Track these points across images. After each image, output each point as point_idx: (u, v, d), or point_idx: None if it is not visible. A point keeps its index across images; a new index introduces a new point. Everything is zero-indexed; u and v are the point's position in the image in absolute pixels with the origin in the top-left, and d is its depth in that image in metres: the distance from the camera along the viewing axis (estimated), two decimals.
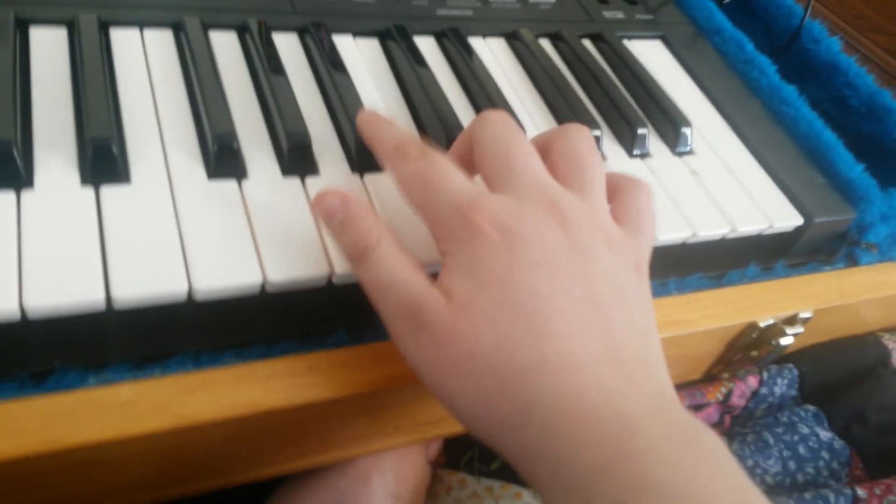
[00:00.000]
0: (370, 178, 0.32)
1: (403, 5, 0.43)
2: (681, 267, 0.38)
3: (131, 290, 0.25)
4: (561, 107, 0.40)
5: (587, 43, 0.47)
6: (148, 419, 0.25)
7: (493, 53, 0.44)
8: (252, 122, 0.33)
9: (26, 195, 0.26)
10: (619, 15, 0.50)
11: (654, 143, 0.41)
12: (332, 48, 0.38)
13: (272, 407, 0.26)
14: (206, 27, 0.36)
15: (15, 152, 0.26)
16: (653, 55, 0.49)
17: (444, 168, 0.27)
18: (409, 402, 0.31)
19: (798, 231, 0.40)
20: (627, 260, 0.27)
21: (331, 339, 0.29)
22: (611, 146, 0.40)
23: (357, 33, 0.40)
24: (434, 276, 0.26)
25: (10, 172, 0.26)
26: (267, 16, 0.38)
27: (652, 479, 0.21)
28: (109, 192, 0.27)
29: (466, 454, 0.41)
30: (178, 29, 0.36)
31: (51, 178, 0.27)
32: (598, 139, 0.38)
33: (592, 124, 0.39)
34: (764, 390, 0.44)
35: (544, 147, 0.29)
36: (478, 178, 0.29)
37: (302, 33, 0.39)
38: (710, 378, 0.44)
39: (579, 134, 0.29)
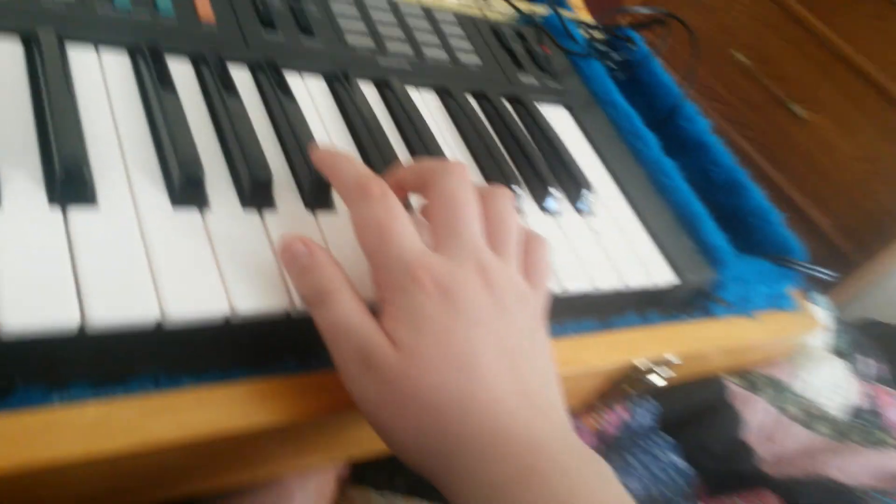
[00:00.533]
0: (323, 215, 0.35)
1: (349, 52, 0.46)
2: (577, 312, 0.44)
3: (106, 315, 0.26)
4: (486, 161, 0.45)
5: (506, 103, 0.52)
6: (115, 440, 0.26)
7: (426, 105, 0.47)
8: (211, 153, 0.34)
9: None
10: (533, 81, 0.56)
11: (562, 202, 0.47)
12: (285, 85, 0.40)
13: (230, 430, 0.28)
14: (160, 53, 0.37)
15: None
16: (559, 120, 0.55)
17: (400, 221, 0.30)
18: (343, 425, 0.34)
19: (671, 287, 0.47)
20: (533, 313, 0.32)
21: (280, 365, 0.31)
22: (525, 201, 0.45)
23: (307, 72, 0.43)
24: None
25: None
26: (221, 49, 0.39)
27: (555, 488, 0.27)
28: (77, 213, 0.28)
29: (370, 470, 0.44)
30: (134, 53, 0.37)
31: (18, 196, 0.27)
32: (516, 194, 0.43)
33: (513, 180, 0.44)
34: (631, 421, 0.51)
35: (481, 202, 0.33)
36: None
37: (254, 69, 0.40)
38: (588, 409, 0.50)
39: (506, 201, 0.34)
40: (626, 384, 0.47)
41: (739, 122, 1.63)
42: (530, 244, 0.34)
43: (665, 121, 0.65)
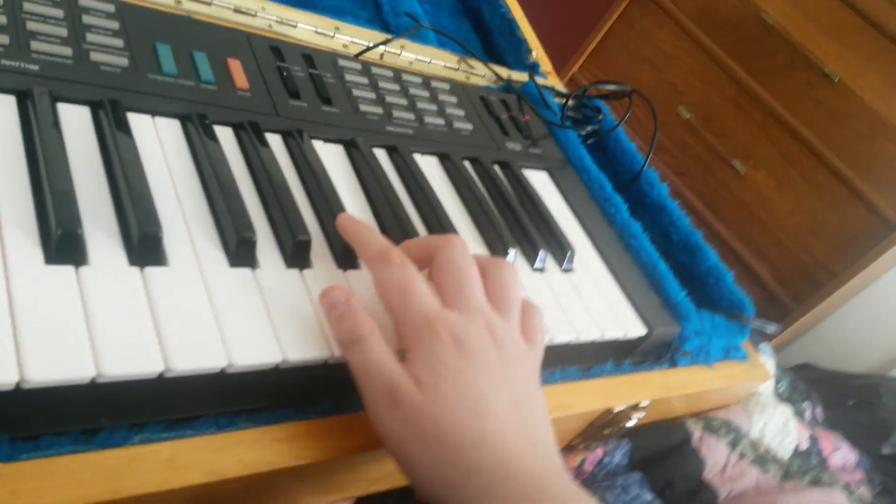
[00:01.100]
0: (351, 273, 0.39)
1: (360, 119, 0.51)
2: (563, 360, 0.49)
3: (183, 363, 0.29)
4: (483, 223, 0.50)
5: (497, 169, 0.58)
6: (186, 474, 0.29)
7: (428, 167, 0.53)
8: (256, 215, 0.38)
9: (83, 270, 0.30)
10: (518, 147, 0.62)
11: (548, 261, 0.52)
12: (314, 152, 0.44)
13: (281, 465, 0.32)
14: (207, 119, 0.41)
15: (79, 232, 0.30)
16: (541, 183, 0.61)
17: (418, 282, 0.35)
18: (367, 462, 0.38)
19: (642, 338, 0.53)
20: (531, 368, 0.38)
21: (319, 407, 0.35)
22: (518, 260, 0.50)
23: (326, 139, 0.48)
24: None
25: (74, 250, 0.30)
26: (256, 117, 0.44)
27: None
28: (152, 273, 0.32)
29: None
30: (184, 120, 0.41)
31: (101, 257, 0.31)
32: (510, 255, 0.49)
33: (508, 241, 0.49)
34: (606, 459, 0.56)
35: (482, 269, 0.39)
36: None
37: (285, 136, 0.45)
38: (570, 448, 0.55)
39: (509, 270, 0.39)
40: (603, 426, 0.52)
41: (684, 174, 1.74)
42: (527, 311, 0.40)
43: (628, 184, 0.72)
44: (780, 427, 0.65)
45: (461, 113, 0.60)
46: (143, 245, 0.32)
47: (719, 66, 1.64)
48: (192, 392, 0.31)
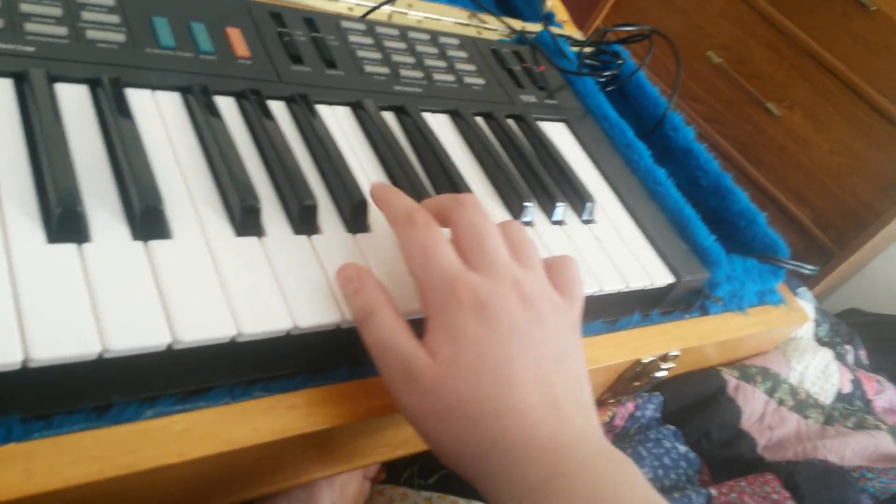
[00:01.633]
0: (361, 237, 0.39)
1: (366, 80, 0.50)
2: (588, 315, 0.48)
3: (192, 334, 0.29)
4: (498, 178, 0.49)
5: (511, 122, 0.56)
6: (201, 445, 0.29)
7: (439, 126, 0.51)
8: (260, 182, 0.38)
9: (86, 247, 0.30)
10: (533, 99, 0.60)
11: (568, 213, 0.51)
12: (318, 116, 0.43)
13: (298, 432, 0.32)
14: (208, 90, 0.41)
15: (79, 209, 0.30)
16: (558, 135, 0.59)
17: (442, 244, 0.34)
18: (387, 427, 0.38)
19: (670, 287, 0.52)
20: (567, 321, 0.36)
21: (335, 374, 0.35)
22: (536, 213, 0.49)
23: (332, 103, 0.47)
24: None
25: (76, 228, 0.30)
26: (259, 84, 0.43)
27: (579, 489, 0.29)
28: (156, 246, 0.32)
29: (406, 471, 0.48)
30: (185, 91, 0.40)
31: (104, 233, 0.31)
32: (527, 208, 0.47)
33: (525, 196, 0.47)
34: (638, 413, 0.55)
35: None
36: None
37: (289, 102, 0.44)
38: (599, 403, 0.54)
39: (521, 227, 0.38)
40: (633, 379, 0.51)
41: (717, 121, 1.68)
42: (558, 263, 0.38)
43: (653, 130, 0.69)
44: (820, 371, 0.63)
45: (472, 68, 0.59)
46: (146, 219, 0.32)
47: (748, 5, 1.57)
48: (204, 363, 0.31)
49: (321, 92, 0.46)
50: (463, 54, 0.59)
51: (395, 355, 0.32)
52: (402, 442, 0.40)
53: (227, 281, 0.32)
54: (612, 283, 0.47)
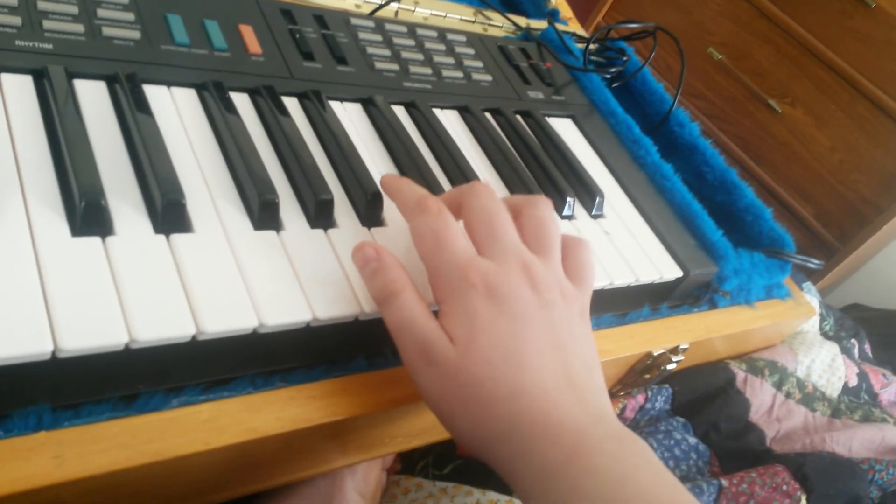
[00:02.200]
0: (376, 231, 0.39)
1: (376, 77, 0.50)
2: (598, 308, 0.48)
3: (215, 325, 0.30)
4: (508, 173, 0.49)
5: (519, 118, 0.57)
6: (226, 434, 0.30)
7: (448, 122, 0.52)
8: (277, 177, 0.38)
9: (110, 240, 0.30)
10: (540, 95, 0.60)
11: (577, 208, 0.51)
12: (331, 112, 0.44)
13: (318, 422, 0.32)
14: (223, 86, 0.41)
15: (103, 203, 0.30)
16: (566, 131, 0.59)
17: (454, 230, 0.34)
18: (404, 417, 0.38)
19: (678, 281, 0.52)
20: (576, 308, 0.36)
21: (353, 364, 0.35)
22: None
23: (343, 99, 0.47)
24: None
25: (100, 221, 0.30)
26: (272, 81, 0.44)
27: (598, 469, 0.30)
28: (178, 240, 0.32)
29: (421, 461, 0.48)
30: (200, 88, 0.41)
31: (127, 227, 0.31)
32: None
33: (534, 191, 0.48)
34: (648, 405, 0.55)
35: (515, 210, 0.37)
36: None
37: (302, 99, 0.45)
38: (610, 395, 0.54)
39: (544, 206, 0.38)
40: (643, 371, 0.51)
41: (719, 117, 1.69)
42: (571, 246, 0.38)
43: (658, 126, 0.70)
44: (827, 365, 0.63)
45: (479, 64, 0.59)
46: (168, 213, 0.32)
47: (748, 2, 1.58)
48: (226, 354, 0.31)
49: (333, 88, 0.47)
50: (470, 51, 0.60)
51: (416, 337, 0.32)
52: (420, 432, 0.40)
53: (248, 274, 0.32)
54: (622, 277, 0.48)
